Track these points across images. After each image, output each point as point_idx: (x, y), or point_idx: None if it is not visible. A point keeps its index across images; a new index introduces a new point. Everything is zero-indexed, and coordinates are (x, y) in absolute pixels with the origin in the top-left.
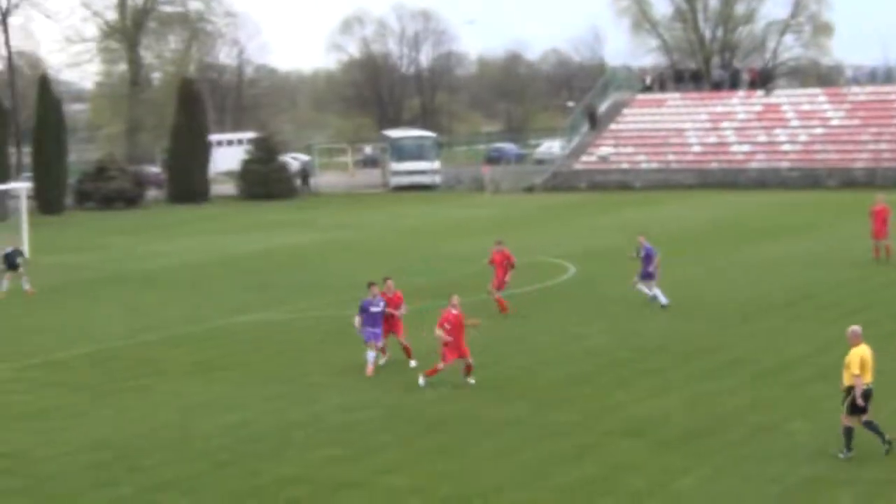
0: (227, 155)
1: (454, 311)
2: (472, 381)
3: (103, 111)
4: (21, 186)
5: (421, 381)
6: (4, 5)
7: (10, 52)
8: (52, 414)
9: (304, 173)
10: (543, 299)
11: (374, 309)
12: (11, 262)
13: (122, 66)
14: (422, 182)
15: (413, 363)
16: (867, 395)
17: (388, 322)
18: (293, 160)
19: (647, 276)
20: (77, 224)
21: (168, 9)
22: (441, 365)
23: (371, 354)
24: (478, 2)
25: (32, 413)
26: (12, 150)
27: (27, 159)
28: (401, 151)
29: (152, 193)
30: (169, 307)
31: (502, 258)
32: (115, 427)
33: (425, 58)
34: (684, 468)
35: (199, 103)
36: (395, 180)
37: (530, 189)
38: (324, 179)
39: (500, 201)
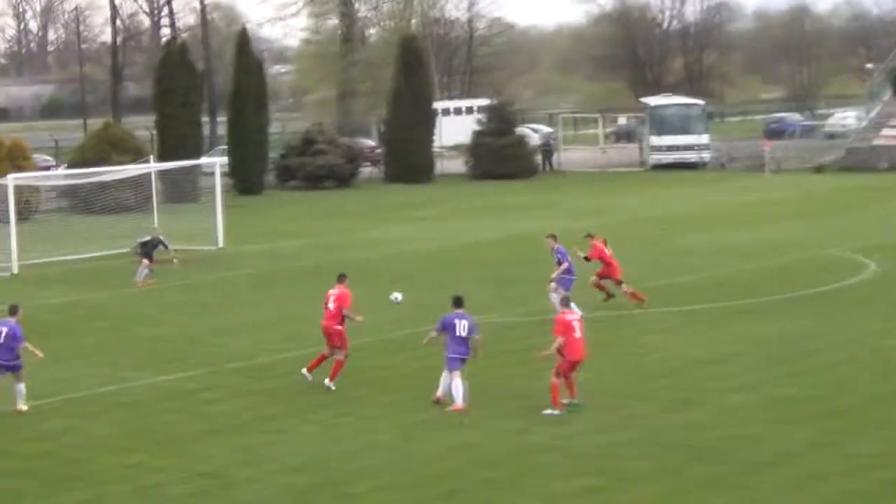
0: (455, 126)
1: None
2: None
3: (310, 74)
4: (215, 162)
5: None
6: None
7: (203, 5)
8: (252, 428)
9: (547, 148)
10: (837, 302)
11: None
12: (148, 252)
13: (334, 21)
14: (687, 159)
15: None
16: None
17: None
18: (533, 132)
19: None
20: (279, 206)
21: None
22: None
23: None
24: None
25: (231, 427)
26: (205, 119)
27: (222, 130)
28: (662, 123)
29: (367, 171)
30: (385, 306)
31: (601, 253)
32: (322, 445)
33: (692, 11)
34: None
35: (422, 65)
36: (655, 157)
37: (819, 169)
38: (569, 155)
39: (782, 183)
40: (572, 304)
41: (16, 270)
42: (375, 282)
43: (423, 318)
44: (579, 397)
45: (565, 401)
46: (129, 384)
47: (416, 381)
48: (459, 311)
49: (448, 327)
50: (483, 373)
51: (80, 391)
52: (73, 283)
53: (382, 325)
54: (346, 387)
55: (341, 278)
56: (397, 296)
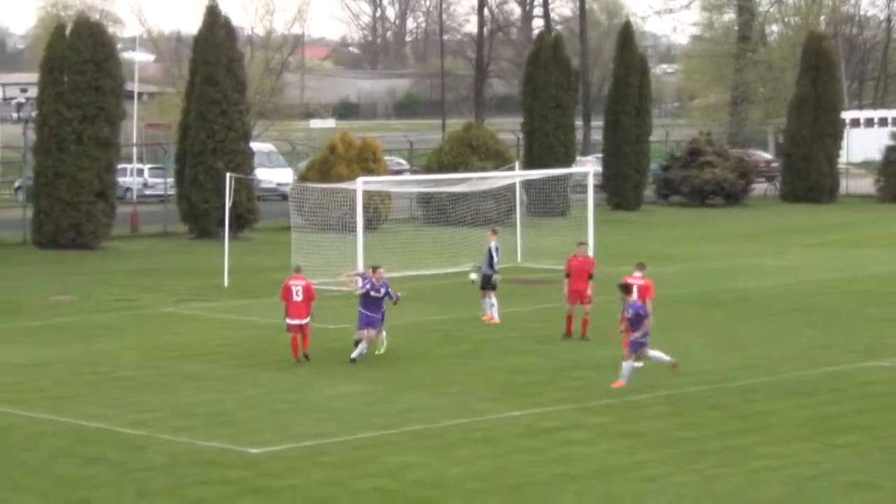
0: (865, 139)
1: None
2: None
3: (700, 75)
4: (589, 171)
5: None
6: None
7: None
8: (619, 476)
9: None
10: None
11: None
12: (489, 280)
13: (730, 16)
14: None
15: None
16: None
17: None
18: None
19: None
20: (657, 223)
21: None
22: None
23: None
24: None
25: (595, 472)
26: (578, 122)
27: (597, 136)
28: None
29: (761, 187)
30: (776, 342)
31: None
32: (697, 500)
33: None
34: None
35: (830, 68)
36: None
37: None
38: None
39: None
40: None
41: None
42: (768, 315)
43: (823, 358)
44: None
45: None
46: (482, 418)
47: (810, 430)
48: None
49: None
50: (884, 424)
51: (428, 423)
52: (422, 302)
53: (774, 364)
54: (730, 434)
55: (642, 266)
56: (473, 276)
